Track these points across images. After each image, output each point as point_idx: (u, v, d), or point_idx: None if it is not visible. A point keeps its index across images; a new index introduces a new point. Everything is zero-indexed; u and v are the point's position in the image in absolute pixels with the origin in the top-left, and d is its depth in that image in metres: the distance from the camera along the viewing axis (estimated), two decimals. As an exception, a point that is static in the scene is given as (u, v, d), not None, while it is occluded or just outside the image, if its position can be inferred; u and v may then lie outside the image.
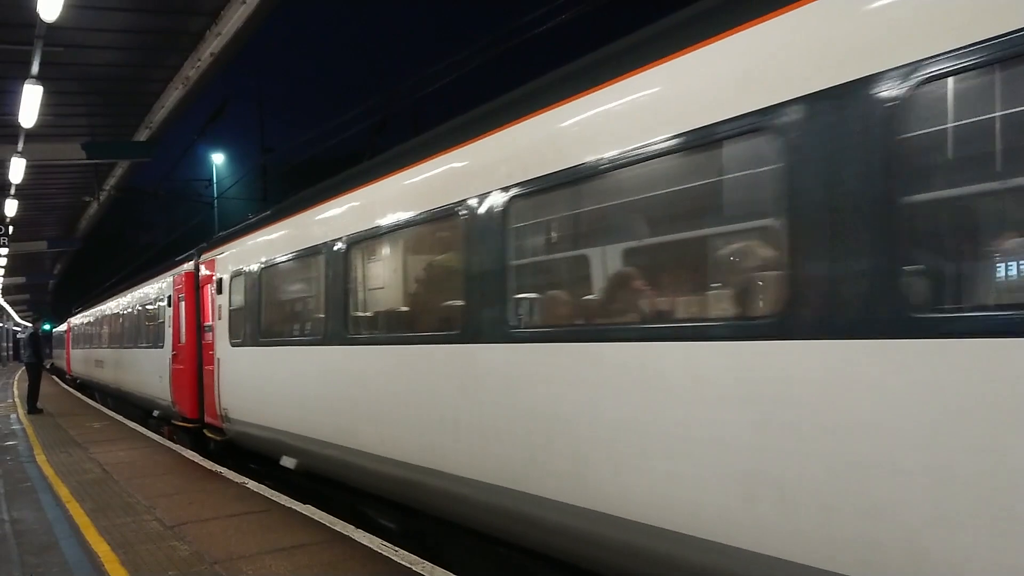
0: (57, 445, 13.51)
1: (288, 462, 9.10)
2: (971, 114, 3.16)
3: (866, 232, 3.28)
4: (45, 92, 12.40)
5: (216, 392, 11.71)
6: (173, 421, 14.69)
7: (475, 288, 5.60)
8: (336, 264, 7.73)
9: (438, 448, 6.03)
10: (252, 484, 9.20)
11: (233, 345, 11.03)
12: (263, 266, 9.93)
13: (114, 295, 24.54)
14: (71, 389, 31.57)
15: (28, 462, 11.67)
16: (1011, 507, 2.82)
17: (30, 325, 20.38)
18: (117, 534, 7.08)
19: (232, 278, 11.14)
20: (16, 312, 75.59)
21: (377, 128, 13.18)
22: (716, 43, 3.99)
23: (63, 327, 44.68)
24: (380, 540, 6.52)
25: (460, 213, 5.80)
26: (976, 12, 2.98)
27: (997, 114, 3.07)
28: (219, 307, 11.71)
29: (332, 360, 7.82)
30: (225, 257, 11.69)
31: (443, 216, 6.08)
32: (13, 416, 19.30)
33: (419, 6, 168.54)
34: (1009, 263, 3.04)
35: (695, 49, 4.10)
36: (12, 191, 19.30)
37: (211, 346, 12.13)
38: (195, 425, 13.16)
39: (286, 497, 8.42)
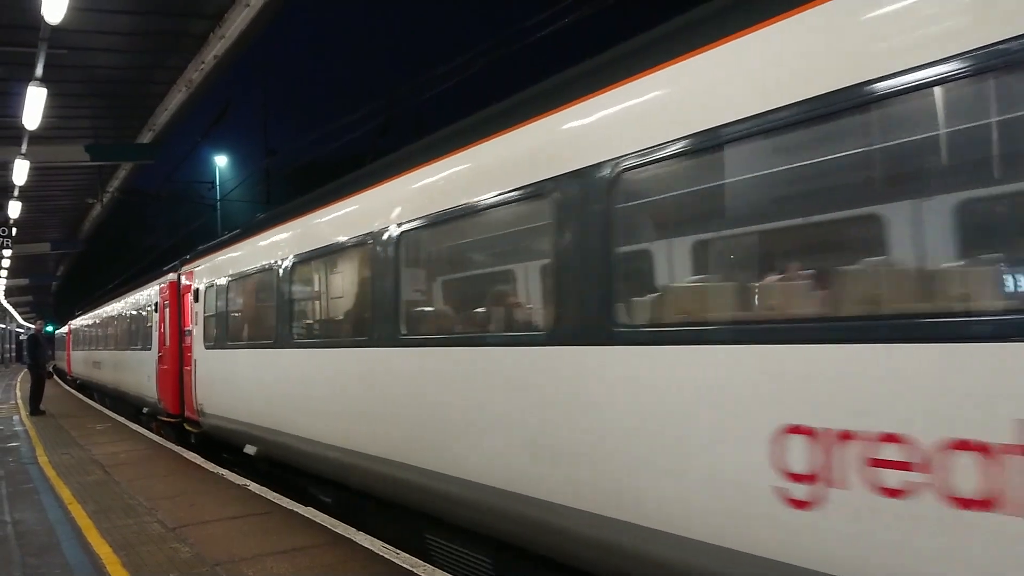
0: (59, 446, 13.53)
1: (250, 450, 10.39)
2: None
3: (577, 276, 4.68)
4: (49, 94, 12.44)
5: (193, 390, 13.02)
6: (159, 417, 15.75)
7: (376, 304, 6.84)
8: (283, 280, 9.07)
9: (352, 432, 7.29)
10: (253, 486, 9.20)
11: (206, 348, 12.34)
12: (229, 279, 11.35)
13: (110, 300, 25.89)
14: (72, 390, 31.64)
15: (30, 463, 11.68)
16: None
17: (32, 327, 20.59)
18: (119, 536, 7.09)
19: (206, 288, 12.49)
20: (19, 313, 75.74)
21: (380, 131, 13.22)
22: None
23: (64, 330, 46.26)
24: (381, 543, 6.52)
25: (367, 243, 7.05)
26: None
27: None
28: (196, 314, 13.04)
29: (279, 361, 9.15)
30: (201, 270, 13.11)
31: (354, 245, 7.38)
32: (16, 417, 19.34)
33: (423, 9, 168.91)
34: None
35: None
36: (16, 193, 19.36)
37: (189, 348, 13.46)
38: (177, 420, 14.28)
39: (287, 499, 8.42)
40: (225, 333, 11.52)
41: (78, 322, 36.22)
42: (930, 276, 3.41)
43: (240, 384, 10.73)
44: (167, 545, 6.70)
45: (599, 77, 4.73)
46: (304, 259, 8.64)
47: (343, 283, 8.35)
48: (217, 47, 12.49)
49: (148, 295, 17.75)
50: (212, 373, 12.10)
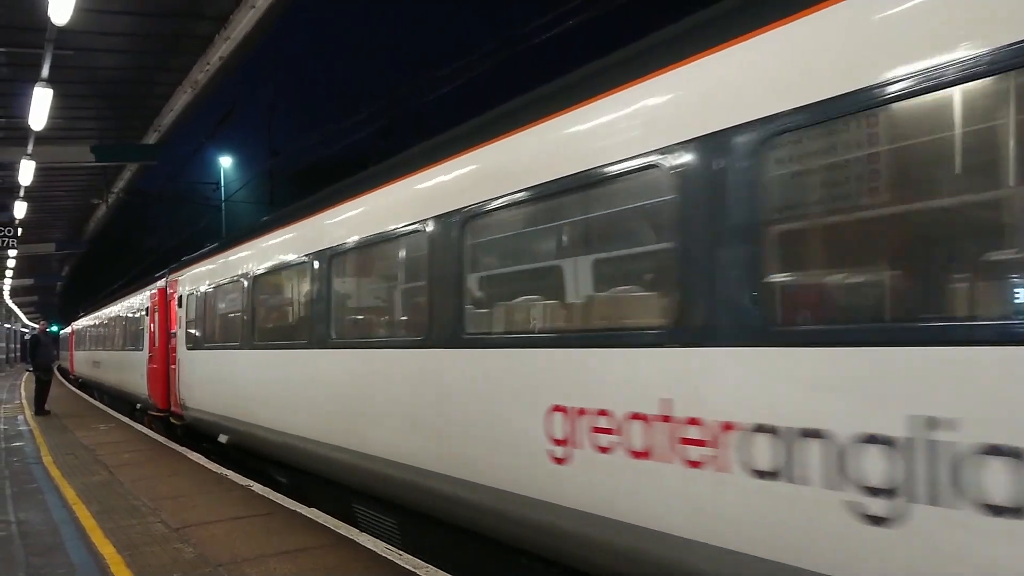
0: (63, 447, 13.57)
1: (223, 438, 11.73)
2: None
3: (443, 296, 5.99)
4: (55, 95, 12.49)
5: (177, 386, 14.51)
6: (149, 411, 17.26)
7: (310, 314, 8.43)
8: (247, 290, 10.55)
9: (293, 421, 8.78)
10: (257, 487, 9.22)
11: (188, 349, 13.82)
12: (206, 288, 12.81)
13: (107, 304, 27.89)
14: (76, 390, 31.71)
15: (35, 463, 11.72)
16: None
17: (36, 327, 20.90)
18: (123, 536, 7.11)
19: (188, 296, 13.96)
20: (24, 313, 75.92)
21: (383, 132, 13.24)
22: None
23: (67, 330, 48.15)
24: (384, 544, 6.53)
25: (304, 263, 8.56)
26: None
27: None
28: (180, 318, 14.52)
29: (243, 360, 10.69)
30: (184, 279, 14.54)
31: (296, 264, 8.90)
32: (20, 417, 19.39)
33: (428, 11, 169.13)
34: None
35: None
36: (21, 193, 19.42)
37: (174, 349, 14.87)
38: (165, 414, 15.74)
39: (290, 500, 8.44)
40: (202, 336, 13.03)
41: (79, 324, 38.11)
42: (599, 302, 4.98)
43: (214, 381, 12.23)
44: (171, 546, 6.72)
45: (450, 146, 6.15)
46: (262, 274, 10.23)
47: (288, 296, 9.78)
48: (222, 48, 12.53)
49: (140, 300, 19.20)
50: (192, 371, 13.50)
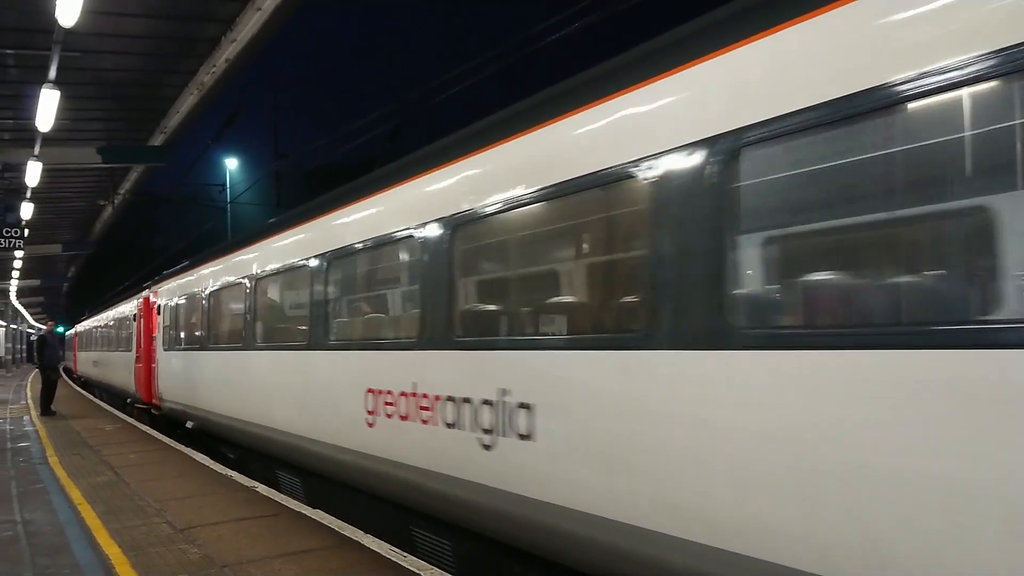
0: (69, 447, 13.60)
1: (189, 424, 14.33)
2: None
3: (317, 314, 8.39)
4: (62, 97, 12.53)
5: (156, 382, 17.09)
6: (136, 404, 20.04)
7: (245, 322, 10.94)
8: (204, 300, 13.37)
9: (232, 407, 11.34)
10: (262, 488, 9.23)
11: (164, 350, 16.48)
12: (177, 298, 15.44)
13: (103, 310, 31.63)
14: (81, 390, 31.79)
15: (41, 464, 11.75)
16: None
17: (43, 327, 22.23)
18: (128, 537, 7.12)
19: (164, 304, 16.69)
20: (30, 314, 76.15)
21: (391, 135, 13.26)
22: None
23: (70, 333, 51.67)
24: (388, 546, 6.52)
25: (244, 283, 10.96)
26: None
27: None
28: (159, 323, 17.19)
29: (201, 359, 13.40)
30: (162, 290, 17.38)
31: (235, 284, 11.59)
32: (26, 418, 19.44)
33: (435, 13, 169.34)
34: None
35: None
36: (28, 194, 19.48)
37: (155, 350, 17.40)
38: (147, 406, 18.32)
39: (295, 501, 8.45)
40: (174, 339, 15.68)
41: (80, 327, 43.22)
42: (385, 321, 7.84)
43: (182, 377, 14.76)
44: (176, 546, 6.72)
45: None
46: (214, 291, 12.77)
47: (233, 309, 11.91)
48: (229, 50, 12.54)
49: (129, 308, 22.16)
50: (167, 369, 16.20)
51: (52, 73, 11.84)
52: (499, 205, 5.50)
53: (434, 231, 6.22)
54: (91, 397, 28.17)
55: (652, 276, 4.26)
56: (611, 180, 4.57)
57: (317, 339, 8.32)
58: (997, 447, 2.69)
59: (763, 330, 3.83)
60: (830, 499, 3.23)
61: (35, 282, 45.77)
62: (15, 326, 68.51)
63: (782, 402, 3.50)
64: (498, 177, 5.61)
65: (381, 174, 7.77)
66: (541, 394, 5.02)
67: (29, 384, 34.46)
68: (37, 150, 15.95)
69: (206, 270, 13.57)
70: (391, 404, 6.68)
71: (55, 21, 9.89)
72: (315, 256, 8.47)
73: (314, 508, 8.05)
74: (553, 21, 9.66)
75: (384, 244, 7.24)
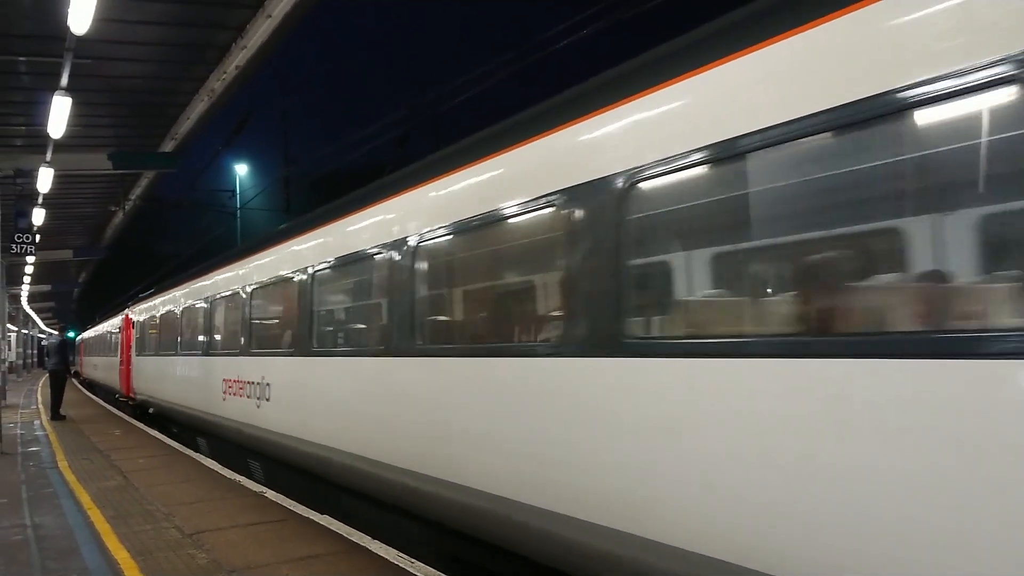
0: (79, 451, 13.66)
1: (152, 410, 19.33)
2: None
3: (229, 326, 12.74)
4: (74, 103, 12.60)
5: (132, 380, 22.37)
6: (119, 398, 25.08)
7: (190, 332, 15.16)
8: (158, 320, 18.54)
9: (184, 398, 15.30)
10: (270, 493, 9.25)
11: (137, 355, 21.91)
12: (145, 316, 21.06)
13: (102, 323, 37.59)
14: (91, 395, 31.95)
15: (51, 468, 11.80)
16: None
17: (56, 333, 25.95)
18: (137, 541, 7.15)
19: (137, 321, 22.35)
20: (41, 319, 76.54)
21: (399, 141, 13.30)
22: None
23: (77, 340, 55.67)
24: (396, 551, 6.53)
25: (206, 305, 14.05)
26: None
27: None
28: (134, 335, 22.65)
29: (164, 362, 17.60)
30: (135, 309, 23.31)
31: (169, 311, 17.18)
32: (36, 422, 19.54)
33: (444, 18, 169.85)
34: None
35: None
36: (40, 200, 19.59)
37: (132, 355, 22.72)
38: (127, 398, 23.20)
39: (302, 507, 8.46)
40: (143, 346, 20.98)
41: (85, 336, 50.83)
42: (226, 333, 12.98)
43: (148, 375, 19.93)
44: (184, 551, 6.74)
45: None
46: (164, 313, 17.87)
47: (190, 323, 15.32)
48: (239, 57, 12.60)
49: (116, 322, 28.30)
50: (139, 370, 21.35)
51: (64, 80, 11.91)
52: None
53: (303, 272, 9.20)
54: (100, 401, 28.31)
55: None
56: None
57: (191, 347, 14.91)
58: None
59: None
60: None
61: (46, 287, 46.00)
62: (26, 331, 68.93)
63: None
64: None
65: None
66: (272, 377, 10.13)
67: (40, 389, 34.62)
68: (49, 156, 16.04)
69: (156, 300, 19.54)
70: (230, 386, 11.68)
71: (67, 29, 9.96)
72: (201, 300, 14.24)
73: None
74: (556, 30, 9.69)
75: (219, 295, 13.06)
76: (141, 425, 18.86)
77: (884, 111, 3.22)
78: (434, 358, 6.38)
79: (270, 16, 11.32)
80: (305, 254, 9.15)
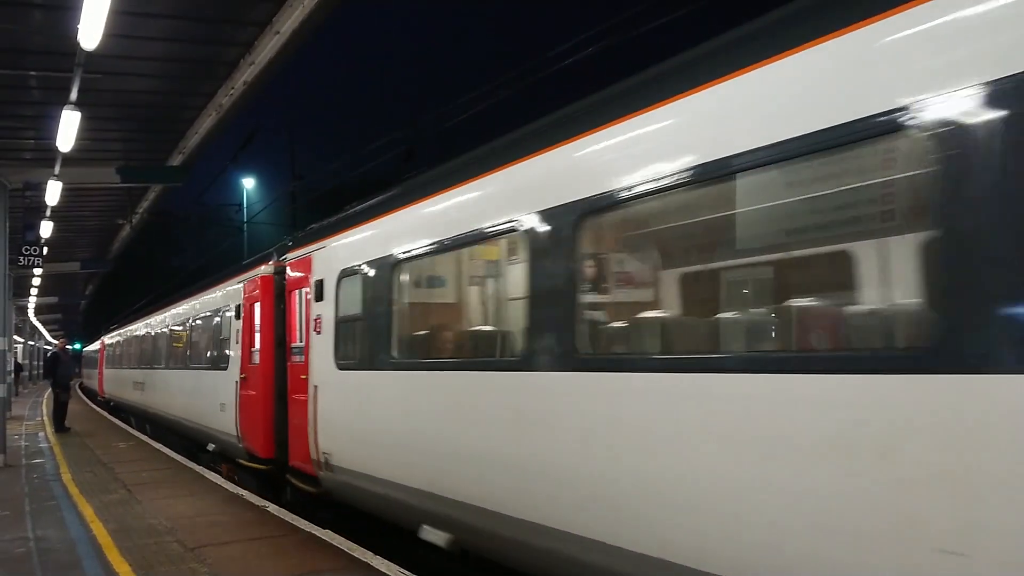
0: (82, 464, 13.67)
1: (104, 399, 29.26)
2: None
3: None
4: (83, 118, 12.68)
5: (102, 382, 31.33)
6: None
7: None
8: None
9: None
10: (272, 508, 9.24)
11: (107, 368, 32.13)
12: (113, 341, 30.75)
13: (157, 311, 34.78)
14: (95, 407, 32.00)
15: (54, 480, 11.82)
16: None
17: (57, 344, 24.95)
18: (139, 555, 7.14)
19: (104, 347, 34.27)
20: (48, 331, 76.78)
21: (404, 156, 13.36)
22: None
23: (95, 346, 53.07)
24: (398, 567, 6.50)
25: (189, 323, 17.59)
26: None
27: None
28: (106, 354, 32.03)
29: (139, 374, 22.35)
30: (108, 337, 33.90)
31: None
32: (41, 434, 19.57)
33: (450, 34, 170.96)
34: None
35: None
36: (48, 213, 19.70)
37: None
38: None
39: (305, 522, 8.44)
40: (116, 362, 26.73)
41: (113, 337, 46.41)
42: (194, 350, 17.24)
43: (118, 382, 25.03)
44: (186, 565, 6.74)
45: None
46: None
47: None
48: (247, 72, 12.68)
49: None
50: (109, 377, 26.60)
51: (73, 95, 12.00)
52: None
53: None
54: (105, 414, 28.33)
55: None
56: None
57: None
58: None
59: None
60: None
61: (53, 299, 46.14)
62: (32, 342, 69.15)
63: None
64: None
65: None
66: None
67: (45, 401, 34.70)
68: (57, 170, 16.14)
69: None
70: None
71: (77, 44, 10.05)
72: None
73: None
74: (568, 45, 9.76)
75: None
76: (146, 438, 18.86)
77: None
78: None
79: (278, 32, 11.40)
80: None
